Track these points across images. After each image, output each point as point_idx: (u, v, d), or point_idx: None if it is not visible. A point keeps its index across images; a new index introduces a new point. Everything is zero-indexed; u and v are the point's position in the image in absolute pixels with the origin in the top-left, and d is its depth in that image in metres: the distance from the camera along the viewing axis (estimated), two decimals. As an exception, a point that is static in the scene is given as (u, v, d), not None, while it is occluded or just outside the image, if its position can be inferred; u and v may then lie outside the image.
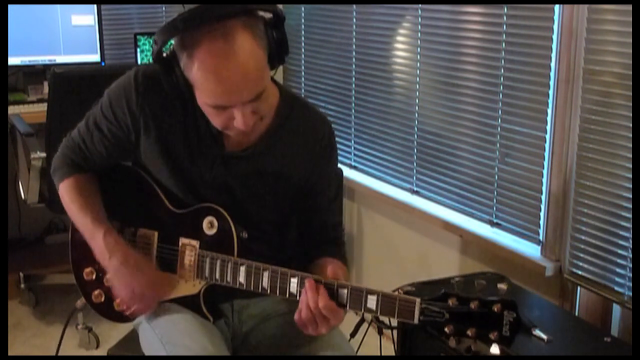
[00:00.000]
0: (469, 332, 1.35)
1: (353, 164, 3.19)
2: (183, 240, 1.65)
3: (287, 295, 1.52)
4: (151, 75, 1.60)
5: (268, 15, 1.47)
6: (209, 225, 1.63)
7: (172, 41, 1.47)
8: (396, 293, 1.44)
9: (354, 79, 3.12)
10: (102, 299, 1.75)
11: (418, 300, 1.39)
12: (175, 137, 1.63)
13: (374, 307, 1.43)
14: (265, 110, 1.53)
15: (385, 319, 2.13)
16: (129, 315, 1.68)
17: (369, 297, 1.44)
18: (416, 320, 1.39)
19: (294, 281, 1.50)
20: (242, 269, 1.56)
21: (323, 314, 1.46)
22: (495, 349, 1.36)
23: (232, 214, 1.64)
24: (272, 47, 1.47)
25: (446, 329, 1.37)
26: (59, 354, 2.51)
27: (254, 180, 1.66)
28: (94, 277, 1.76)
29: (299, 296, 1.49)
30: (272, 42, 1.47)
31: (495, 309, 1.34)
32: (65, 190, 1.73)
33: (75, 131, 1.75)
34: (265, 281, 1.54)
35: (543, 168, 2.25)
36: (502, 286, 1.85)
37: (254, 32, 1.42)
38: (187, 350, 1.54)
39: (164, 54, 1.47)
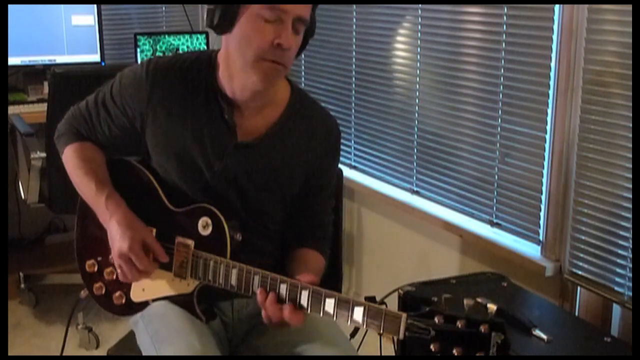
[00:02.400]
0: (455, 352, 1.33)
1: (353, 164, 3.19)
2: (179, 239, 1.65)
3: (277, 300, 1.51)
4: (163, 66, 1.65)
5: None
6: (204, 226, 1.63)
7: None
8: (383, 307, 1.42)
9: (354, 79, 3.12)
10: (103, 292, 1.76)
11: (404, 315, 1.37)
12: (184, 128, 1.65)
13: (359, 319, 1.42)
14: (293, 55, 1.59)
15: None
16: (125, 279, 1.65)
17: (356, 308, 1.42)
18: (401, 336, 1.37)
19: (283, 287, 1.50)
20: (234, 271, 1.57)
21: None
22: None
23: (238, 205, 1.66)
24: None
25: (432, 347, 1.34)
26: (57, 353, 2.51)
27: (261, 171, 1.68)
28: (95, 269, 1.77)
29: (288, 301, 1.49)
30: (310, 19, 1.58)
31: (483, 330, 1.31)
32: (70, 156, 1.76)
33: (83, 103, 1.78)
34: (256, 285, 1.54)
35: (543, 168, 2.25)
36: (491, 306, 1.84)
37: None
38: (174, 348, 1.55)
39: None
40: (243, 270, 1.56)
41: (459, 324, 1.33)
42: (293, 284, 1.49)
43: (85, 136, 1.78)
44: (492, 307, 1.85)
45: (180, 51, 3.63)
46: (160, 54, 3.59)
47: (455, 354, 1.33)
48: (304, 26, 1.57)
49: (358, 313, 1.42)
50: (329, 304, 1.45)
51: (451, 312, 1.35)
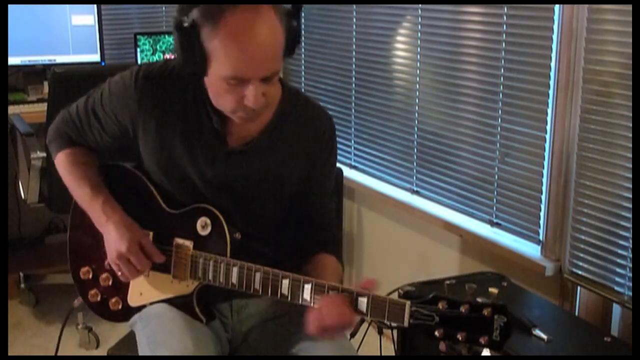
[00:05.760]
0: (459, 336, 1.35)
1: (353, 164, 3.19)
2: (177, 241, 1.65)
3: (279, 296, 1.53)
4: (152, 75, 1.63)
5: (288, 6, 1.51)
6: (203, 226, 1.63)
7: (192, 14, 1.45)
8: (386, 296, 1.44)
9: (354, 79, 3.12)
10: (98, 299, 1.76)
11: (408, 303, 1.38)
12: (174, 137, 1.64)
13: (364, 309, 1.43)
14: (272, 96, 1.55)
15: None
16: (125, 279, 1.67)
17: (360, 299, 1.44)
18: (406, 323, 1.39)
19: (285, 282, 1.51)
20: (235, 269, 1.57)
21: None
22: (486, 353, 1.36)
23: (232, 212, 1.64)
24: (287, 35, 1.49)
25: (436, 333, 1.36)
26: (58, 354, 2.51)
27: (254, 177, 1.66)
28: (90, 276, 1.76)
29: (290, 298, 1.51)
30: (289, 29, 1.49)
31: (486, 313, 1.33)
32: (62, 162, 1.77)
33: (73, 107, 1.77)
34: (257, 282, 1.54)
35: (543, 168, 2.25)
36: (493, 290, 1.86)
37: (277, 12, 1.46)
38: (168, 349, 1.55)
39: (185, 25, 1.45)
40: (244, 267, 1.56)
41: (462, 308, 1.35)
42: (295, 279, 1.50)
43: (75, 141, 1.77)
44: (493, 290, 1.87)
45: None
46: (160, 54, 3.59)
47: (460, 339, 1.35)
48: (274, 77, 1.51)
49: (362, 303, 1.43)
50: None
51: (454, 298, 1.36)
